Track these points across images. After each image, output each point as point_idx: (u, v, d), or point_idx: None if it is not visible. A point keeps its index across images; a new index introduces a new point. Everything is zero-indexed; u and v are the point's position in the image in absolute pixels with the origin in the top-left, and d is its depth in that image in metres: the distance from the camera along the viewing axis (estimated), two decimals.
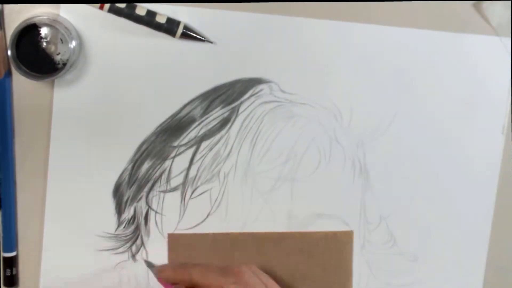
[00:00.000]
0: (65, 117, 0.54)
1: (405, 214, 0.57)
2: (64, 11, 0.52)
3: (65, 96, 0.53)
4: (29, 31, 0.51)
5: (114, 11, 0.52)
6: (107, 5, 0.51)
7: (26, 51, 0.51)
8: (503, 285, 0.58)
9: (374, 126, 0.56)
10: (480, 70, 0.57)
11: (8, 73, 0.52)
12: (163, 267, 0.54)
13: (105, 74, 0.54)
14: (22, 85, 0.53)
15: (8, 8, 0.52)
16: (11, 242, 0.54)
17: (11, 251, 0.55)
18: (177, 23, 0.53)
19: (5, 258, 0.55)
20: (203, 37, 0.54)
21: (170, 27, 0.52)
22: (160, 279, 0.53)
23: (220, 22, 0.54)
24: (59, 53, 0.52)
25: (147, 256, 0.56)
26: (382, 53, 0.56)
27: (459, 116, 0.57)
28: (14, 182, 0.54)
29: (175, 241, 0.56)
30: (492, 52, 0.56)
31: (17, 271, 0.55)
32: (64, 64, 0.51)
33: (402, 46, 0.56)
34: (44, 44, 0.51)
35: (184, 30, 0.53)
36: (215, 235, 0.56)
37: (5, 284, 0.55)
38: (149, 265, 0.55)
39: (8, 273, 0.55)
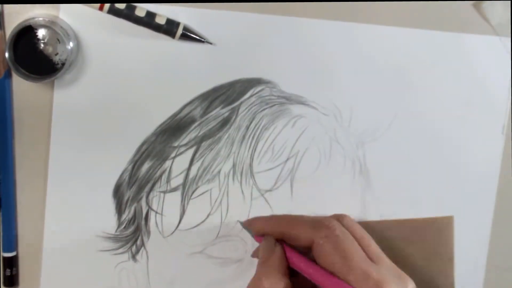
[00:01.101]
0: (65, 117, 0.54)
1: (406, 214, 0.57)
2: (64, 12, 0.52)
3: (65, 96, 0.54)
4: (25, 33, 0.51)
5: (113, 12, 0.52)
6: (106, 6, 0.51)
7: (24, 53, 0.51)
8: (503, 285, 0.58)
9: (374, 126, 0.56)
10: (480, 70, 0.57)
11: (8, 73, 0.52)
12: (252, 219, 0.54)
13: (105, 75, 0.54)
14: (22, 85, 0.53)
15: (7, 8, 0.52)
16: (11, 242, 0.55)
17: (11, 251, 0.55)
18: (177, 24, 0.53)
19: (5, 258, 0.55)
20: (202, 38, 0.54)
21: (169, 28, 0.52)
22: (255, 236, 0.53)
23: (220, 23, 0.54)
24: (57, 54, 0.52)
25: (147, 258, 0.56)
26: (382, 53, 0.56)
27: (459, 116, 0.57)
28: (14, 182, 0.54)
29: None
30: (492, 52, 0.56)
31: (17, 271, 0.55)
32: (63, 64, 0.52)
33: (402, 46, 0.56)
34: (42, 45, 0.52)
35: (184, 31, 0.53)
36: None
37: (5, 284, 0.55)
38: (242, 224, 0.55)
39: (8, 273, 0.55)
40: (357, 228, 0.51)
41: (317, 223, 0.49)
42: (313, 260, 0.49)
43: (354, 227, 0.51)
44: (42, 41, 0.52)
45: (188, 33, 0.53)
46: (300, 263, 0.49)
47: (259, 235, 0.53)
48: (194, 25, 0.54)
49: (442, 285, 0.57)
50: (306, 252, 0.50)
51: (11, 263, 0.55)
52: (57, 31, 0.51)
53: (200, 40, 0.53)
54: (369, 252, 0.48)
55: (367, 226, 0.55)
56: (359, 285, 0.45)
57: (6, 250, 0.55)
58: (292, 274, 0.49)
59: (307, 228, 0.49)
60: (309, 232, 0.49)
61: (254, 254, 0.55)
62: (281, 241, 0.51)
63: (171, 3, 0.53)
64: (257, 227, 0.53)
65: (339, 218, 0.52)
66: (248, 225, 0.54)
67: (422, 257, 0.56)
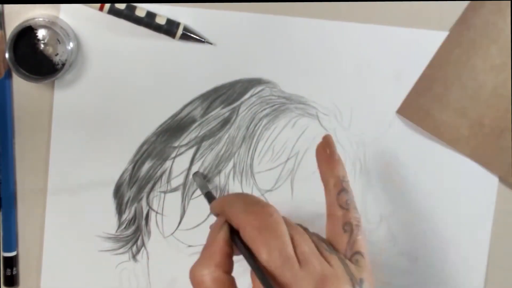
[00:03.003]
0: (66, 118, 0.54)
1: (406, 214, 0.57)
2: (64, 13, 0.53)
3: (65, 96, 0.54)
4: (26, 34, 0.51)
5: (113, 12, 0.52)
6: (107, 7, 0.51)
7: (24, 54, 0.51)
8: (505, 285, 0.58)
9: (375, 126, 0.56)
10: None
11: (8, 74, 0.52)
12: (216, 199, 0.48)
13: (105, 75, 0.54)
14: (22, 85, 0.53)
15: (7, 8, 0.52)
16: (11, 242, 0.55)
17: (11, 250, 0.55)
18: (177, 24, 0.53)
19: (5, 258, 0.55)
20: (203, 38, 0.54)
21: (169, 29, 0.52)
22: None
23: (220, 23, 0.54)
24: (57, 54, 0.52)
25: (148, 258, 0.56)
26: (382, 53, 0.56)
27: None
28: (14, 182, 0.54)
29: None
30: None
31: (17, 271, 0.55)
32: (63, 65, 0.52)
33: (402, 46, 0.56)
34: (42, 46, 0.52)
35: (184, 32, 0.53)
36: None
37: (5, 284, 0.55)
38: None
39: (9, 273, 0.55)
40: (291, 225, 0.44)
41: (249, 207, 0.42)
42: None
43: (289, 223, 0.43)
44: (42, 42, 0.52)
45: (189, 33, 0.53)
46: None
47: (214, 215, 0.47)
48: (194, 25, 0.54)
49: None
50: None
51: (11, 263, 0.55)
52: (57, 31, 0.51)
53: (200, 40, 0.53)
54: (298, 252, 0.41)
55: None
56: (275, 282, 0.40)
57: (6, 250, 0.55)
58: None
59: (238, 212, 0.42)
60: (239, 218, 0.42)
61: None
62: None
63: (171, 3, 0.53)
64: (213, 205, 0.46)
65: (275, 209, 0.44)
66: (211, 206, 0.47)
67: None
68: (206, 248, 0.42)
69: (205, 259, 0.41)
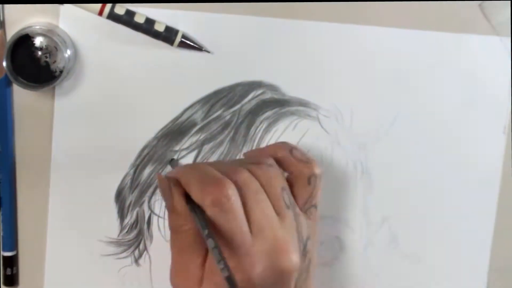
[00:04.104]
0: (67, 123, 0.54)
1: (408, 215, 0.57)
2: (63, 19, 0.52)
3: (66, 102, 0.54)
4: (23, 42, 0.51)
5: (113, 17, 0.52)
6: (106, 11, 0.51)
7: (22, 62, 0.51)
8: (506, 286, 0.58)
9: (376, 128, 0.56)
10: (480, 71, 0.56)
11: (8, 81, 0.52)
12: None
13: (105, 80, 0.54)
14: (22, 93, 0.53)
15: (6, 14, 0.52)
16: (11, 241, 0.55)
17: (11, 250, 0.55)
18: (175, 32, 0.52)
19: (5, 257, 0.55)
20: (201, 46, 0.53)
21: (168, 36, 0.52)
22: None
23: (220, 26, 0.54)
24: (55, 61, 0.52)
25: (150, 262, 0.56)
26: (382, 54, 0.56)
27: (460, 117, 0.57)
28: (15, 185, 0.55)
29: None
30: (492, 52, 0.56)
31: (17, 270, 0.55)
32: (61, 72, 0.52)
33: (402, 47, 0.56)
34: (39, 53, 0.52)
35: (182, 39, 0.53)
36: None
37: (5, 284, 0.55)
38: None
39: (9, 272, 0.55)
40: (247, 191, 0.43)
41: (208, 180, 0.42)
42: None
43: (244, 190, 0.43)
44: (39, 50, 0.52)
45: (187, 41, 0.53)
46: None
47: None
48: (194, 29, 0.53)
49: None
50: None
51: (11, 262, 0.55)
52: (54, 39, 0.51)
53: (198, 48, 0.53)
54: (250, 221, 0.43)
55: None
56: (229, 259, 0.41)
57: (6, 249, 0.55)
58: None
59: (196, 185, 0.43)
60: (197, 193, 0.43)
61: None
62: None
63: (172, 2, 0.53)
64: (166, 177, 0.46)
65: (236, 173, 0.44)
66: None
67: None
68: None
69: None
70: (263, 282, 0.42)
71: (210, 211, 0.42)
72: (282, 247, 0.43)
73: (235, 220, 0.42)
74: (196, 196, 0.43)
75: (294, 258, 0.43)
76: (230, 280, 0.39)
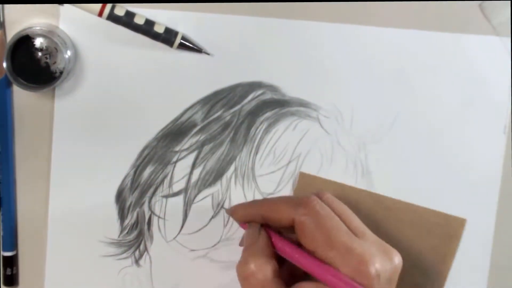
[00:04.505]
0: (67, 124, 0.54)
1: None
2: (63, 21, 0.52)
3: (66, 103, 0.54)
4: (23, 43, 0.51)
5: (112, 18, 0.52)
6: (105, 12, 0.51)
7: (22, 63, 0.51)
8: (508, 286, 0.58)
9: (376, 128, 0.56)
10: (480, 70, 0.56)
11: (9, 82, 0.52)
12: (234, 207, 0.52)
13: (105, 81, 0.54)
14: (22, 94, 0.53)
15: (6, 15, 0.52)
16: (11, 241, 0.55)
17: (11, 250, 0.55)
18: (175, 33, 0.52)
19: (5, 257, 0.55)
20: (200, 48, 0.53)
21: (167, 37, 0.52)
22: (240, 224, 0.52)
23: (220, 26, 0.54)
24: (55, 62, 0.52)
25: (150, 263, 0.56)
26: (382, 54, 0.56)
27: (460, 117, 0.57)
28: (15, 187, 0.55)
29: (304, 181, 0.56)
30: (492, 52, 0.56)
31: (17, 270, 0.55)
32: (61, 73, 0.52)
33: (402, 47, 0.56)
34: (39, 54, 0.52)
35: (182, 41, 0.53)
36: (343, 186, 0.56)
37: (5, 284, 0.55)
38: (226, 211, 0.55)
39: (9, 272, 0.55)
40: (338, 204, 0.49)
41: (297, 201, 0.48)
42: (299, 244, 0.47)
43: (334, 204, 0.49)
44: (39, 51, 0.52)
45: (186, 43, 0.53)
46: (285, 248, 0.47)
47: (243, 222, 0.51)
48: (194, 29, 0.53)
49: (433, 278, 0.57)
50: (292, 235, 0.48)
51: (11, 262, 0.55)
52: (55, 40, 0.51)
53: (197, 50, 0.53)
54: (352, 227, 0.47)
55: (380, 199, 0.56)
56: (342, 260, 0.44)
57: (6, 249, 0.55)
58: (280, 262, 0.48)
59: (287, 207, 0.48)
60: (289, 211, 0.47)
61: (241, 243, 0.54)
62: (266, 226, 0.49)
63: (171, 3, 0.53)
64: (239, 214, 0.51)
65: (319, 194, 0.49)
66: (231, 213, 0.52)
67: (423, 248, 0.56)
68: (251, 246, 0.47)
69: (257, 253, 0.46)
70: (380, 277, 0.44)
71: (302, 220, 0.46)
72: (388, 247, 0.47)
73: (332, 220, 0.46)
74: (285, 212, 0.47)
75: (399, 257, 0.47)
76: None
